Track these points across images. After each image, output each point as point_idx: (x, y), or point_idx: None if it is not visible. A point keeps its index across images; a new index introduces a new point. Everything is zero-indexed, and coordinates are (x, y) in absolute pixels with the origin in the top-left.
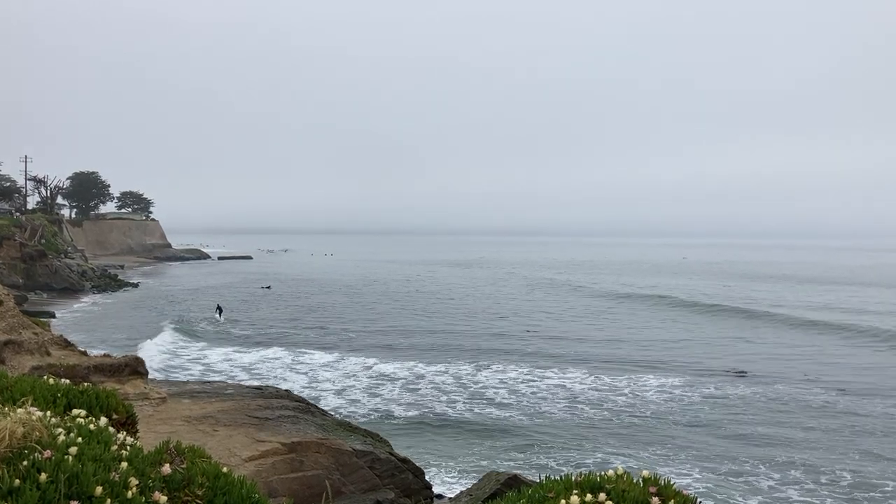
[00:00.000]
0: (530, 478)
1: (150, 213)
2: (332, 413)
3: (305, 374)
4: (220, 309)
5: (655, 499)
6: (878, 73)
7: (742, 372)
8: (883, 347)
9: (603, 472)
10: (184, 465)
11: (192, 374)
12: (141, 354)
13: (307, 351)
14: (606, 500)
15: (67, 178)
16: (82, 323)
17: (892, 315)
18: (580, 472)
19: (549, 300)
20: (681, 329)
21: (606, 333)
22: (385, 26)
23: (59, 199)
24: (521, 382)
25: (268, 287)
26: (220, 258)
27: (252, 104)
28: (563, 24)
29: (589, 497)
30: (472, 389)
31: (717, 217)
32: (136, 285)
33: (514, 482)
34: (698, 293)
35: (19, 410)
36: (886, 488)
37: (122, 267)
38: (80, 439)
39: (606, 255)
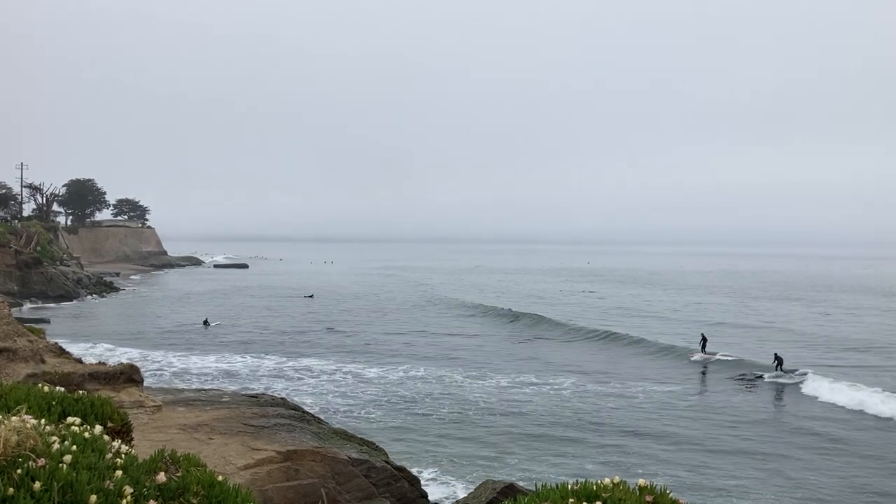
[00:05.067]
0: (526, 486)
1: (146, 220)
2: (327, 421)
3: (300, 380)
4: (206, 323)
5: None
6: (859, 84)
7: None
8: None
9: (599, 481)
10: (179, 474)
11: (187, 382)
12: (129, 361)
13: (304, 357)
14: None
15: (63, 186)
16: (74, 328)
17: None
18: (576, 481)
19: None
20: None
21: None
22: (376, 28)
23: (55, 207)
24: (514, 390)
25: (310, 296)
26: (215, 266)
27: (244, 108)
28: (535, 25)
29: None
30: (465, 398)
31: (704, 224)
32: (130, 292)
33: (510, 491)
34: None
35: (13, 418)
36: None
37: (117, 274)
38: (74, 447)
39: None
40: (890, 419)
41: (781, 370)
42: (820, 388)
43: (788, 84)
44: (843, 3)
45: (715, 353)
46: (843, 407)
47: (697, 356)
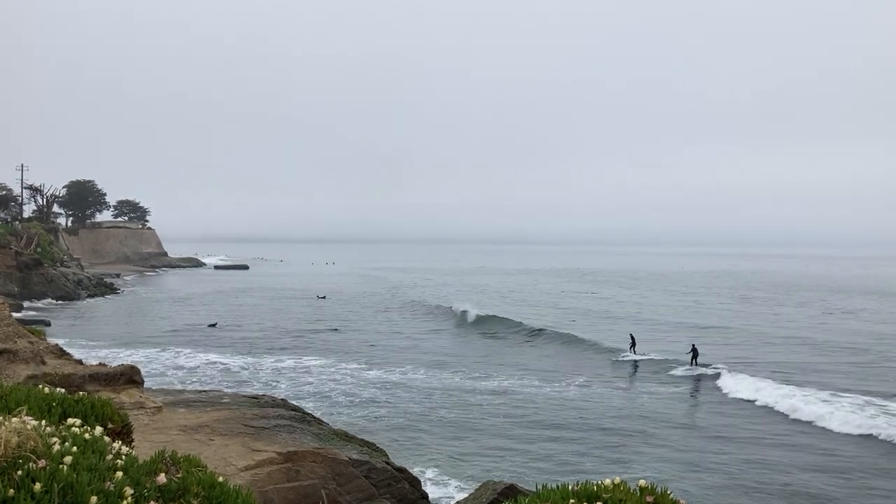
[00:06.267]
0: (527, 487)
1: (147, 221)
2: (328, 422)
3: (301, 381)
4: (213, 325)
5: None
6: (859, 84)
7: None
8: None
9: (600, 482)
10: (179, 475)
11: (188, 383)
12: (130, 362)
13: (306, 357)
14: None
15: (64, 187)
16: (76, 330)
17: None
18: (577, 481)
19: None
20: None
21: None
22: (382, 28)
23: (56, 208)
24: (516, 391)
25: (323, 297)
26: (216, 267)
27: (243, 109)
28: (535, 26)
29: None
30: (466, 399)
31: (704, 225)
32: (131, 294)
33: (510, 492)
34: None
35: (14, 420)
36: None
37: (117, 276)
38: (74, 449)
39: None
40: (784, 414)
41: (696, 363)
42: (728, 382)
43: (788, 84)
44: (843, 3)
45: (645, 354)
46: (738, 398)
47: (626, 356)
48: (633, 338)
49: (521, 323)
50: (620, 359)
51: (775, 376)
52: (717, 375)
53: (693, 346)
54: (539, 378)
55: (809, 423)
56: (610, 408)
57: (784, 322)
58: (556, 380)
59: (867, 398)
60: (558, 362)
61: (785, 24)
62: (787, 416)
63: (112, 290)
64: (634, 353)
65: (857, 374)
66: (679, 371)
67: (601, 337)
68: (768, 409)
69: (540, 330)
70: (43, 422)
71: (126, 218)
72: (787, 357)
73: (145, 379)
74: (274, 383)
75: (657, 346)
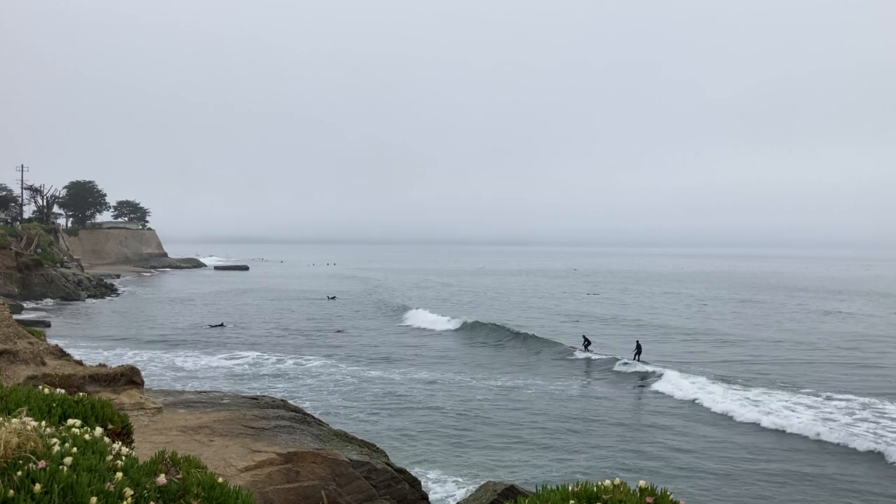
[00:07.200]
0: (527, 488)
1: (147, 222)
2: (328, 423)
3: (302, 382)
4: (217, 325)
5: None
6: (858, 84)
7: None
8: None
9: (599, 483)
10: (179, 476)
11: (188, 383)
12: (130, 363)
13: (307, 358)
14: None
15: (64, 188)
16: (76, 332)
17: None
18: (577, 483)
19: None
20: None
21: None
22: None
23: (56, 209)
24: (516, 392)
25: (333, 298)
26: (216, 268)
27: (244, 110)
28: (535, 28)
29: None
30: (467, 400)
31: (706, 226)
32: (131, 294)
33: (510, 493)
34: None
35: (14, 420)
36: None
37: (118, 276)
38: (74, 450)
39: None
40: (716, 412)
41: (638, 359)
42: (668, 379)
43: (788, 84)
44: (843, 3)
45: (591, 352)
46: (664, 394)
47: (578, 354)
48: (585, 338)
49: (515, 327)
50: (573, 357)
51: (733, 377)
52: (657, 375)
53: (637, 342)
54: (542, 378)
55: (750, 423)
56: (573, 405)
57: (777, 323)
58: (559, 381)
59: (865, 400)
60: (557, 363)
61: (785, 25)
62: (723, 414)
63: (112, 290)
64: (588, 350)
65: (853, 375)
66: (618, 366)
67: (602, 340)
68: (700, 405)
69: (533, 334)
70: (43, 423)
71: (126, 219)
72: (754, 356)
73: (145, 380)
74: (274, 383)
75: (610, 344)
